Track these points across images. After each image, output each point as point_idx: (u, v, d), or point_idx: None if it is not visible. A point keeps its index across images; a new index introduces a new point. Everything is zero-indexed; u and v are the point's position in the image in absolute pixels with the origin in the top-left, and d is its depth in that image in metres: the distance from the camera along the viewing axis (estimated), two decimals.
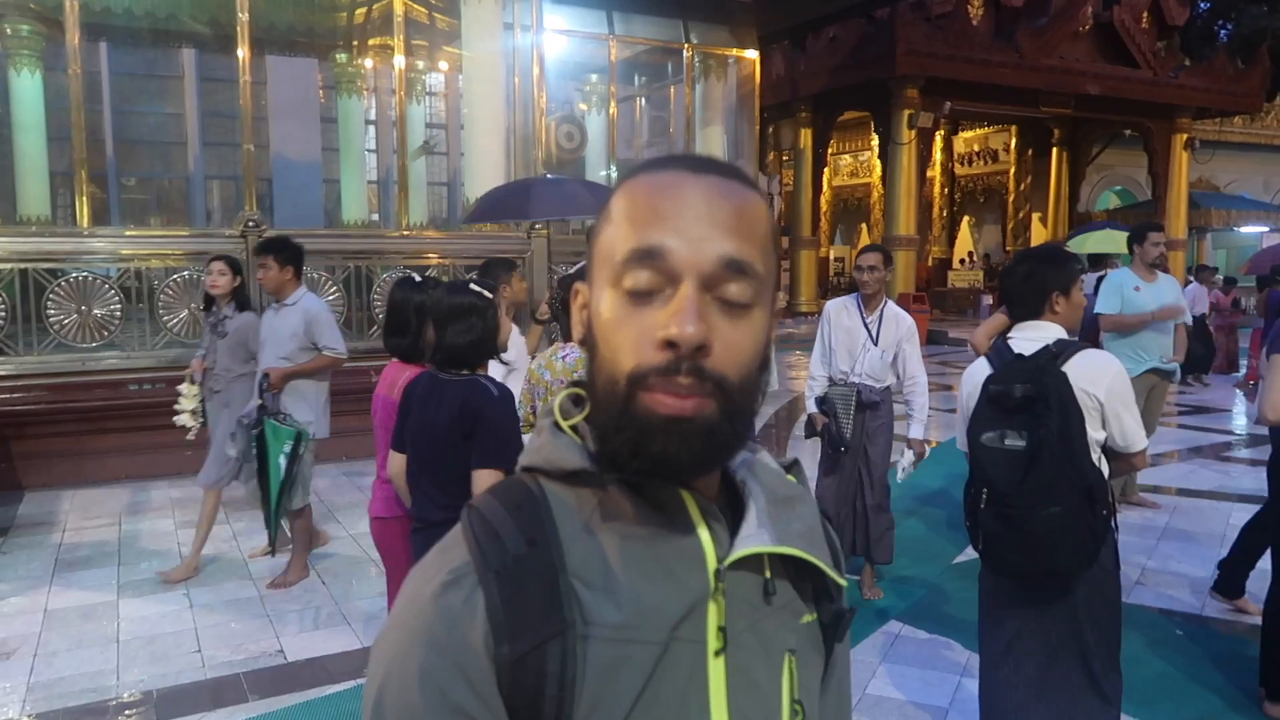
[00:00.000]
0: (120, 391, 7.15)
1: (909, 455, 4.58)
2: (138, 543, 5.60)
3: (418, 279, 3.56)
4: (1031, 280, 2.71)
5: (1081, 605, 2.59)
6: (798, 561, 0.79)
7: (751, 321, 0.72)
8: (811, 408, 4.69)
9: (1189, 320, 5.26)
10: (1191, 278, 14.02)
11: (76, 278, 7.24)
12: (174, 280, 7.49)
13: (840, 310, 4.65)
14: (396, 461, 2.82)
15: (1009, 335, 2.76)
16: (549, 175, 8.25)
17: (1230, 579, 4.53)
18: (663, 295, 0.70)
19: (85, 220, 7.64)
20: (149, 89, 15.94)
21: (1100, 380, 2.56)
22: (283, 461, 4.51)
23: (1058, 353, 2.58)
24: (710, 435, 0.70)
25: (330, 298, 7.99)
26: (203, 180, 16.41)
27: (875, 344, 4.49)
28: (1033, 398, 2.52)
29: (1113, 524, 2.61)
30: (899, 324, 4.52)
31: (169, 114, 16.05)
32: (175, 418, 5.12)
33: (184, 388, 5.14)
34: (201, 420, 5.13)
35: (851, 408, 4.53)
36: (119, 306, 7.30)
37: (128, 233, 8.55)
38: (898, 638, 4.18)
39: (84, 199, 7.64)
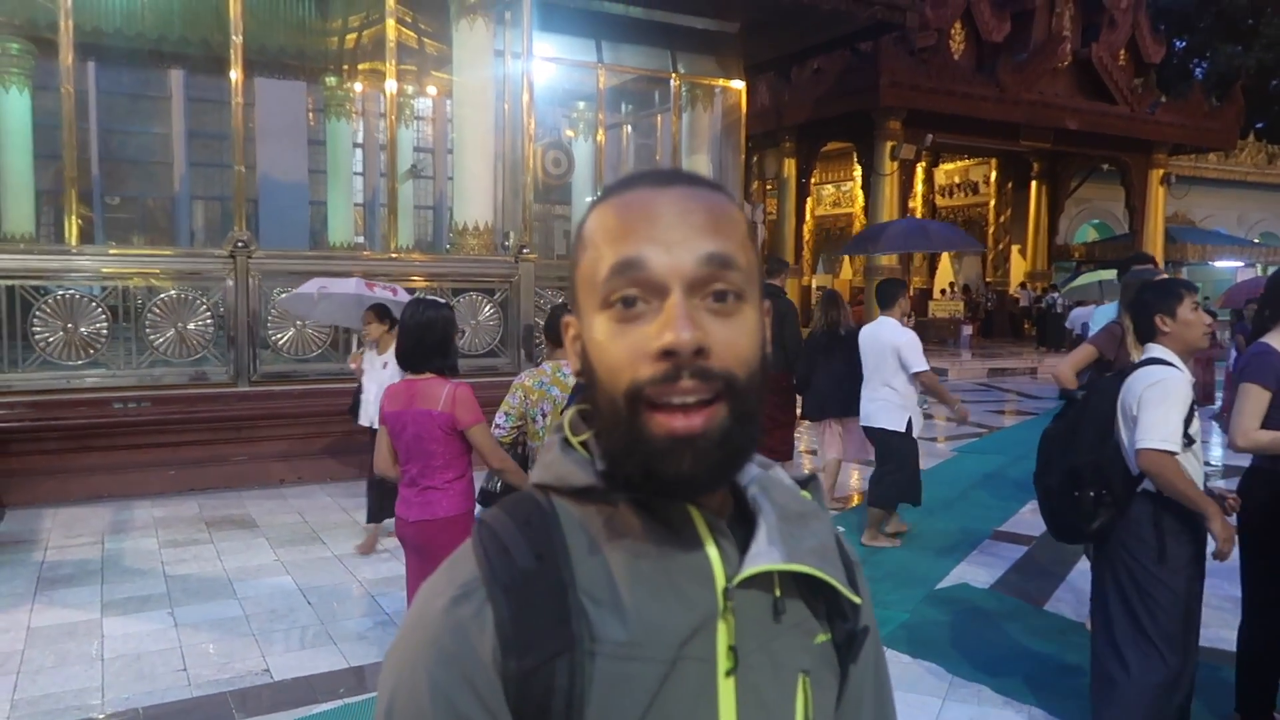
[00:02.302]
0: (105, 409, 7.14)
1: None
2: (121, 561, 5.58)
3: (440, 300, 3.66)
4: (1139, 307, 3.09)
5: (1108, 577, 3.05)
6: (811, 580, 0.77)
7: (744, 318, 0.72)
8: None
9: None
10: None
11: (63, 295, 7.24)
12: (161, 299, 7.50)
13: None
14: None
15: None
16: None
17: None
18: (651, 309, 0.70)
19: (74, 239, 7.64)
20: (136, 109, 15.96)
21: (1135, 388, 2.93)
22: None
23: (1135, 367, 3.02)
24: (724, 445, 0.70)
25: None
26: (188, 200, 16.41)
27: None
28: (1075, 400, 3.21)
29: (1149, 521, 2.93)
30: None
31: (155, 134, 16.06)
32: None
33: None
34: None
35: None
36: (105, 324, 7.30)
37: (113, 251, 8.55)
38: None
39: (73, 217, 7.65)
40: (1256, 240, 26.81)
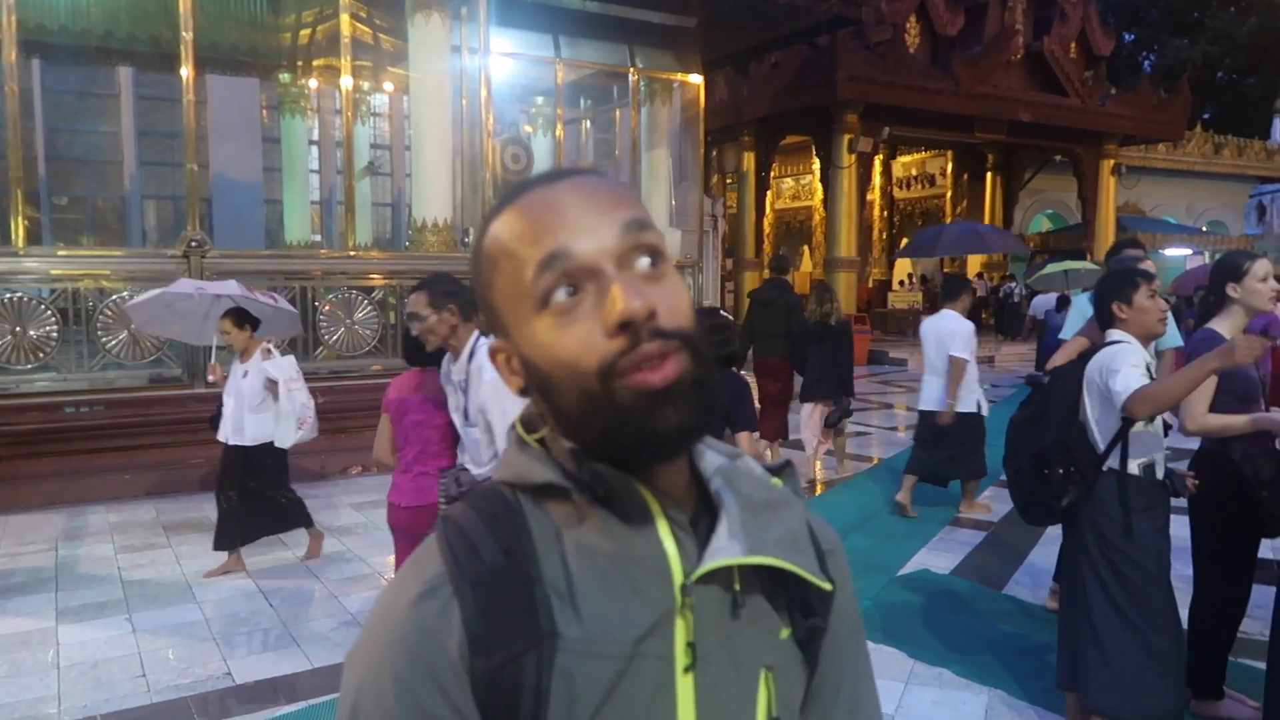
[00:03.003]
0: (56, 414, 7.00)
1: None
2: (76, 568, 5.47)
3: None
4: (1099, 296, 3.26)
5: (1082, 562, 3.17)
6: (775, 572, 0.76)
7: (673, 278, 0.73)
8: None
9: (1179, 342, 4.64)
10: None
11: (10, 298, 7.08)
12: (113, 301, 7.36)
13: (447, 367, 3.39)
14: None
15: None
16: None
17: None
18: (588, 296, 0.71)
19: (20, 240, 7.47)
20: (83, 107, 15.58)
21: (1100, 361, 3.10)
22: None
23: (1096, 350, 3.19)
24: (699, 388, 0.71)
25: None
26: (139, 200, 16.07)
27: (466, 417, 3.20)
28: (1041, 385, 3.36)
29: (1115, 498, 3.07)
30: (481, 380, 3.09)
31: (104, 132, 15.71)
32: None
33: None
34: None
35: None
36: (55, 327, 7.15)
37: (61, 253, 8.38)
38: None
39: (19, 218, 7.48)
40: (1204, 229, 27.38)
